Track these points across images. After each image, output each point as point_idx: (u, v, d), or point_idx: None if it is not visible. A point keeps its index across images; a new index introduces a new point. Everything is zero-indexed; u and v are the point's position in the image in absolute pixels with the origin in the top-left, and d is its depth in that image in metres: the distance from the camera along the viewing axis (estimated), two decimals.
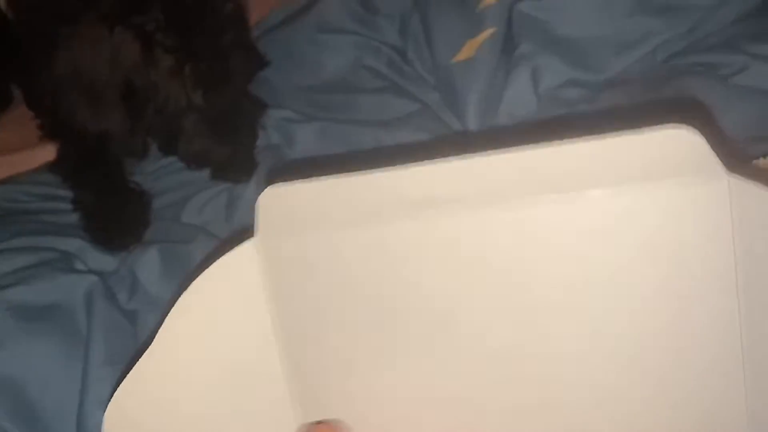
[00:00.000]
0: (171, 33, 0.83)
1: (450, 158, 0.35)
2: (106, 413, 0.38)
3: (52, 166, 0.92)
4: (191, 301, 0.40)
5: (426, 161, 0.35)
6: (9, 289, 0.68)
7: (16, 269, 0.72)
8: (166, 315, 0.39)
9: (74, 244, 0.80)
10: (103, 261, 0.79)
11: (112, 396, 0.39)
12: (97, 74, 0.83)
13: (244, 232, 0.41)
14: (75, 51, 0.83)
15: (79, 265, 0.76)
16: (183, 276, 0.75)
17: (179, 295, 0.39)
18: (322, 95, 0.97)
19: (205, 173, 0.90)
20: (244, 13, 0.97)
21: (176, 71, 0.84)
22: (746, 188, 0.31)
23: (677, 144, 0.32)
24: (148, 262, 0.77)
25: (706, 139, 0.31)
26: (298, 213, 0.38)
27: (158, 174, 0.93)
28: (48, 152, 0.95)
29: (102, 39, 0.82)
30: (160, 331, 0.39)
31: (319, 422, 0.42)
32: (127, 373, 0.39)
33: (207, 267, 0.39)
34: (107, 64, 0.83)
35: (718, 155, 0.31)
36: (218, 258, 0.40)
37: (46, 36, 0.84)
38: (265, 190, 0.38)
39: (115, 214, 0.85)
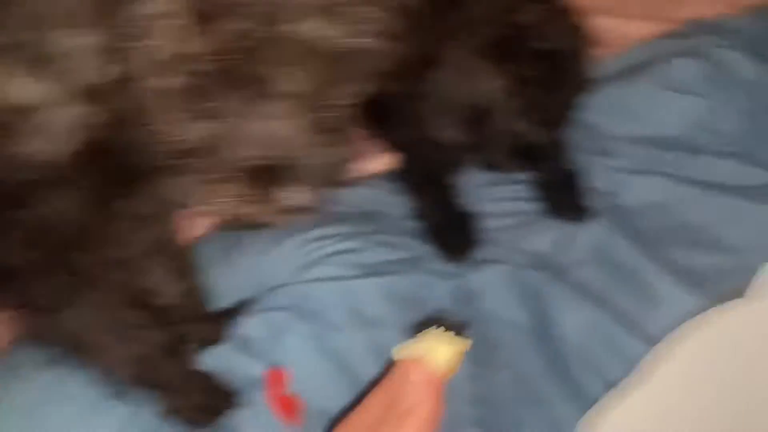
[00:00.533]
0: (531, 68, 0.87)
1: None
2: None
3: (391, 175, 0.99)
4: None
5: None
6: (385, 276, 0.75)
7: (384, 261, 0.79)
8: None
9: (423, 248, 0.86)
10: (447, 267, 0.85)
11: None
12: (461, 96, 0.89)
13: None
14: (449, 74, 0.90)
15: (432, 266, 0.81)
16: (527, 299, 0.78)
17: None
18: (658, 150, 0.96)
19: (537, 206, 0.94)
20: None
21: (522, 101, 0.88)
22: None
23: None
24: (492, 281, 0.81)
25: None
26: None
27: (487, 197, 0.97)
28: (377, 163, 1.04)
29: (475, 69, 0.88)
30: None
31: None
32: None
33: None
34: (472, 89, 0.89)
35: None
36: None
37: (423, 55, 0.92)
38: None
39: (447, 229, 0.91)
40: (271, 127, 0.45)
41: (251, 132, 0.45)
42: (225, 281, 0.88)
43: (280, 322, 0.79)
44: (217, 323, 0.83)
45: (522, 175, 0.99)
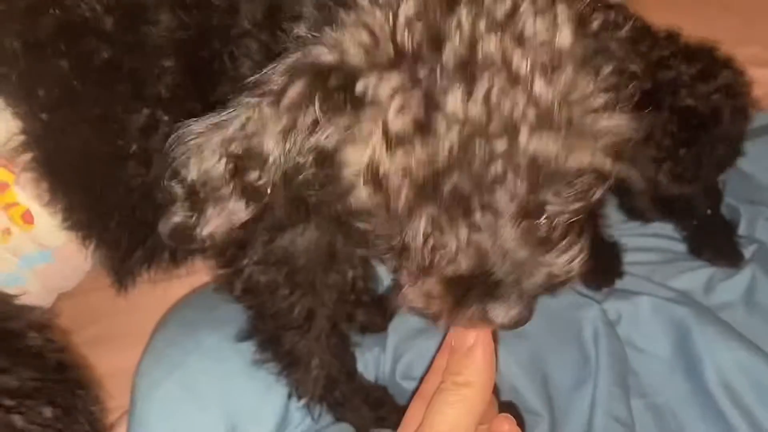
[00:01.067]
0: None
1: None
2: None
3: None
4: None
5: None
6: None
7: None
8: None
9: None
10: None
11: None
12: None
13: None
14: None
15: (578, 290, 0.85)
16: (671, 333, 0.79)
17: None
18: None
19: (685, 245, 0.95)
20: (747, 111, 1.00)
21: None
22: None
23: None
24: (636, 310, 0.82)
25: None
26: None
27: (634, 231, 0.98)
28: None
29: None
30: None
31: None
32: None
33: None
34: None
35: None
36: None
37: None
38: None
39: (591, 256, 0.92)
40: (480, 239, 0.45)
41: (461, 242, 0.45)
42: None
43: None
44: (382, 309, 0.88)
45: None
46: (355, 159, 0.44)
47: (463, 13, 0.42)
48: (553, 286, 0.48)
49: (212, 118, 0.48)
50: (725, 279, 0.88)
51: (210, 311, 0.84)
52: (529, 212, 0.44)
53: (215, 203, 0.48)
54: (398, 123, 0.42)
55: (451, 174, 0.42)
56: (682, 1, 1.45)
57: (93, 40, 0.62)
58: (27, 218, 0.70)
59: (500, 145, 0.41)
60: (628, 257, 0.94)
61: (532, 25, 0.43)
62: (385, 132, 0.43)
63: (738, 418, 0.72)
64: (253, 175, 0.47)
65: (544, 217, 0.46)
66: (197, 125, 0.48)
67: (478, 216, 0.44)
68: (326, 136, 0.45)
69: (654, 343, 0.81)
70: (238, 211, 0.48)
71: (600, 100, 0.44)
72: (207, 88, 0.61)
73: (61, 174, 0.68)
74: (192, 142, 0.47)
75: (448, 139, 0.41)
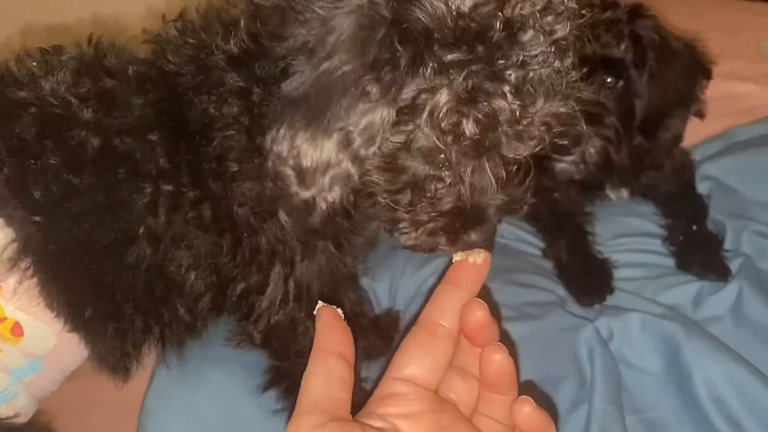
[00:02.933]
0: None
1: None
2: None
3: (526, 217, 1.05)
4: None
5: None
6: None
7: (527, 303, 0.86)
8: None
9: (559, 290, 0.90)
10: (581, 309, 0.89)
11: None
12: None
13: None
14: None
15: (570, 309, 0.86)
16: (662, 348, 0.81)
17: None
18: None
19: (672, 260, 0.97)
20: None
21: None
22: None
23: None
24: (627, 327, 0.84)
25: None
26: None
27: (621, 247, 1.00)
28: None
29: None
30: None
31: None
32: None
33: None
34: None
35: None
36: None
37: None
38: None
39: (581, 273, 0.94)
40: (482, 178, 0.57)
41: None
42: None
43: None
44: (381, 333, 0.90)
45: (657, 230, 1.02)
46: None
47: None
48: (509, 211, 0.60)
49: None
50: (713, 293, 0.90)
51: (212, 347, 0.83)
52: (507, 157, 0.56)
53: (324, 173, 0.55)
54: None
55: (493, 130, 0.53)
56: (665, 16, 1.48)
57: (79, 131, 0.64)
58: (16, 331, 0.68)
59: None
60: (617, 273, 0.96)
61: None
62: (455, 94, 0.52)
63: (727, 429, 0.73)
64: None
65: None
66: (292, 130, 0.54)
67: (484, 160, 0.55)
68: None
69: (645, 358, 0.82)
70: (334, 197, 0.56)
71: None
72: (202, 143, 0.64)
73: (64, 273, 0.67)
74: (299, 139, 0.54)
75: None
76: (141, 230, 0.66)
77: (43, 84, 0.65)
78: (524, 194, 0.60)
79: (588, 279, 0.95)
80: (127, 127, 0.64)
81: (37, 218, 0.64)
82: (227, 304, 0.75)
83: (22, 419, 0.72)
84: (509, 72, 0.52)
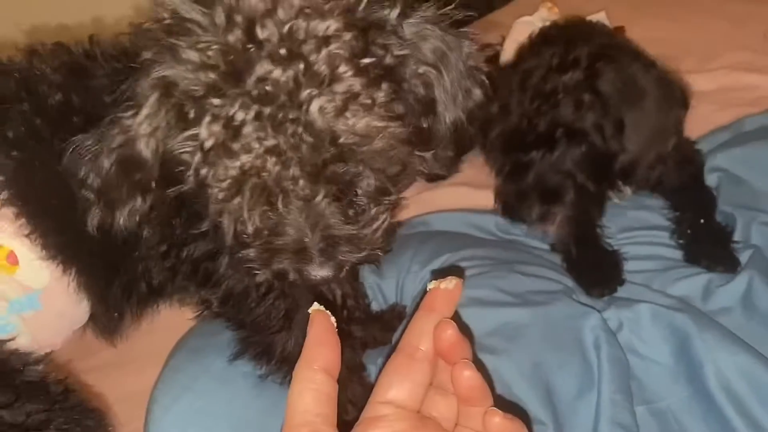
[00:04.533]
0: None
1: None
2: None
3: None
4: None
5: None
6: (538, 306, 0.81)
7: (531, 291, 0.86)
8: None
9: (565, 281, 0.90)
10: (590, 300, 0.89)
11: None
12: None
13: None
14: None
15: (577, 298, 0.87)
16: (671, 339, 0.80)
17: None
18: None
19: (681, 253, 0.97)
20: None
21: None
22: None
23: None
24: (637, 317, 0.84)
25: None
26: None
27: (631, 240, 1.00)
28: None
29: None
30: None
31: None
32: None
33: None
34: None
35: None
36: None
37: None
38: None
39: (591, 265, 0.94)
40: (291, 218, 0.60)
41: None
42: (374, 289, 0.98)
43: None
44: (385, 326, 0.92)
45: (665, 222, 1.02)
46: (188, 160, 0.57)
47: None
48: (363, 257, 0.62)
49: (97, 132, 0.62)
50: (723, 284, 0.89)
51: (214, 336, 0.88)
52: (335, 197, 0.59)
53: (120, 205, 0.63)
54: (209, 140, 0.55)
55: (254, 176, 0.56)
56: (670, 8, 1.47)
57: (46, 88, 0.74)
58: (11, 259, 0.73)
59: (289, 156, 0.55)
60: (626, 265, 0.95)
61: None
62: (201, 145, 0.56)
63: (740, 422, 0.73)
64: (137, 175, 0.62)
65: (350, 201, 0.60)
66: (88, 139, 0.63)
67: (284, 203, 0.58)
68: (172, 139, 0.58)
69: (655, 349, 0.82)
70: (139, 206, 0.63)
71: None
72: None
73: (36, 204, 0.73)
74: (88, 155, 0.62)
75: (248, 154, 0.55)
76: None
77: (33, 62, 0.77)
78: (376, 240, 0.62)
79: (598, 271, 0.94)
80: (87, 89, 0.74)
81: (14, 153, 0.72)
82: (183, 268, 0.79)
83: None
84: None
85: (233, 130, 0.54)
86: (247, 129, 0.54)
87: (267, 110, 0.54)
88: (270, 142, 0.54)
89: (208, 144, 0.55)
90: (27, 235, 0.73)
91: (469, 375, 0.50)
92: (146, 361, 0.93)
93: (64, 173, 0.68)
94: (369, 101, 0.56)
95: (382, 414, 0.50)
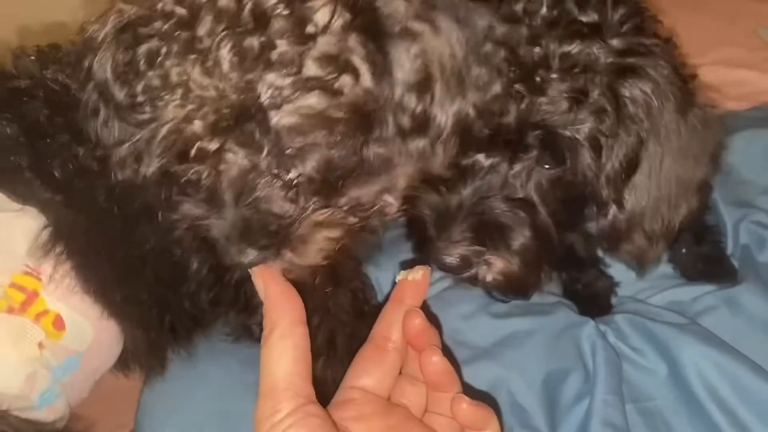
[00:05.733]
0: None
1: None
2: None
3: None
4: None
5: None
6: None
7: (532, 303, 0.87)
8: None
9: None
10: None
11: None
12: None
13: None
14: None
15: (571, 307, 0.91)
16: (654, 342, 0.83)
17: None
18: None
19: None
20: None
21: None
22: None
23: None
24: (619, 327, 0.87)
25: None
26: None
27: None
28: None
29: None
30: None
31: None
32: None
33: None
34: None
35: None
36: None
37: None
38: None
39: (585, 291, 0.96)
40: None
41: None
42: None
43: None
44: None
45: None
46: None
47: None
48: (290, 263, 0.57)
49: None
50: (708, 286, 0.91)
51: (209, 342, 0.84)
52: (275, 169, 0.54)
53: None
54: None
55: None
56: (659, 3, 1.47)
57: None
58: (58, 324, 0.69)
59: None
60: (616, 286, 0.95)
61: None
62: None
63: (726, 424, 0.75)
64: None
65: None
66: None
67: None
68: None
69: (639, 354, 0.84)
70: None
71: None
72: None
73: (91, 254, 0.68)
74: None
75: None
76: (137, 205, 0.67)
77: (44, 73, 0.69)
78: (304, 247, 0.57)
79: (593, 294, 0.95)
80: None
81: (58, 198, 0.66)
82: (225, 295, 0.76)
83: (59, 425, 0.71)
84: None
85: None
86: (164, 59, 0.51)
87: (184, 35, 0.51)
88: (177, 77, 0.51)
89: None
90: (84, 293, 0.68)
91: (436, 360, 0.51)
92: None
93: (109, 210, 0.65)
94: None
95: (352, 398, 0.52)
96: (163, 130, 0.53)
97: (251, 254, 0.55)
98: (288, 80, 0.51)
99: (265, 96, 0.51)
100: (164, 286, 0.73)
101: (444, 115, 0.58)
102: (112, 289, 0.70)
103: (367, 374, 0.53)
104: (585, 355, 0.81)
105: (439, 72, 0.56)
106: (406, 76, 0.56)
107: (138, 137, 0.55)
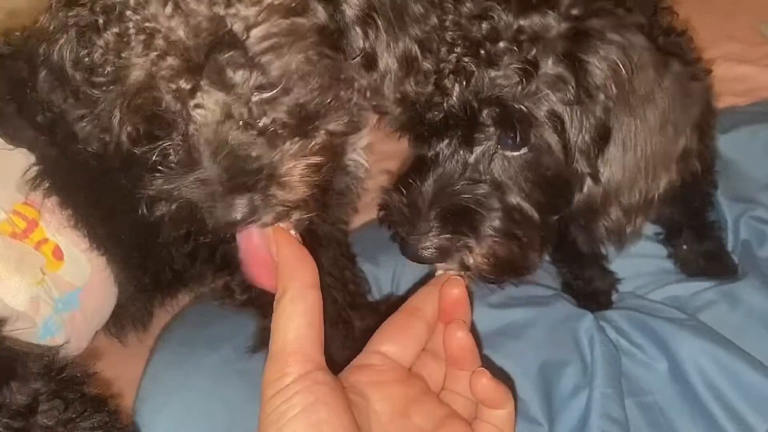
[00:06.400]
0: None
1: None
2: None
3: None
4: None
5: None
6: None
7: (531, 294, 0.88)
8: None
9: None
10: None
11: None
12: None
13: None
14: None
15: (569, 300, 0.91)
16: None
17: None
18: None
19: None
20: None
21: None
22: None
23: None
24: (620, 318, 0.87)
25: None
26: None
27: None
28: None
29: None
30: None
31: None
32: None
33: None
34: None
35: None
36: None
37: None
38: None
39: (585, 286, 0.95)
40: None
41: None
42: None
43: None
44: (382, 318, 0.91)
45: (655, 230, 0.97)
46: None
47: None
48: (282, 207, 0.56)
49: None
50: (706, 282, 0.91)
51: (205, 328, 0.84)
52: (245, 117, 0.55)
53: None
54: None
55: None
56: None
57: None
58: (57, 254, 0.72)
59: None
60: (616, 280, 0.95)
61: None
62: None
63: (724, 417, 0.75)
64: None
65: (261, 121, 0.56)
66: None
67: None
68: None
69: (639, 349, 0.84)
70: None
71: None
72: None
73: (78, 193, 0.72)
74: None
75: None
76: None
77: (27, 42, 0.71)
78: (295, 183, 0.57)
79: (593, 289, 0.94)
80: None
81: (43, 138, 0.70)
82: (202, 252, 0.76)
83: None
84: None
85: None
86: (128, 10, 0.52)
87: None
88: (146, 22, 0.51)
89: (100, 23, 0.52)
90: (74, 226, 0.71)
91: (461, 336, 0.51)
92: (121, 349, 0.87)
93: (94, 158, 0.67)
94: None
95: (372, 363, 0.51)
96: (129, 86, 0.53)
97: (240, 206, 0.54)
98: (253, 9, 0.53)
99: (235, 25, 0.52)
100: (142, 232, 0.73)
101: (390, 53, 0.60)
102: (94, 225, 0.72)
103: (392, 340, 0.52)
104: (583, 348, 0.81)
105: (379, 5, 0.59)
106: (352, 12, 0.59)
107: (101, 106, 0.55)
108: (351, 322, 0.87)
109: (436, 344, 0.54)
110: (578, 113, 0.60)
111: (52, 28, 0.60)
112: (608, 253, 0.94)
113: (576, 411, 0.76)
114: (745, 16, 1.33)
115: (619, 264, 0.95)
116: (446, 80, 0.61)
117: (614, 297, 0.93)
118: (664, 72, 0.61)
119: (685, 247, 0.94)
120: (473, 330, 0.55)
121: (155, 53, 0.52)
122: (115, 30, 0.53)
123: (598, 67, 0.59)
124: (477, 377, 0.49)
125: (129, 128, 0.56)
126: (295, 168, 0.56)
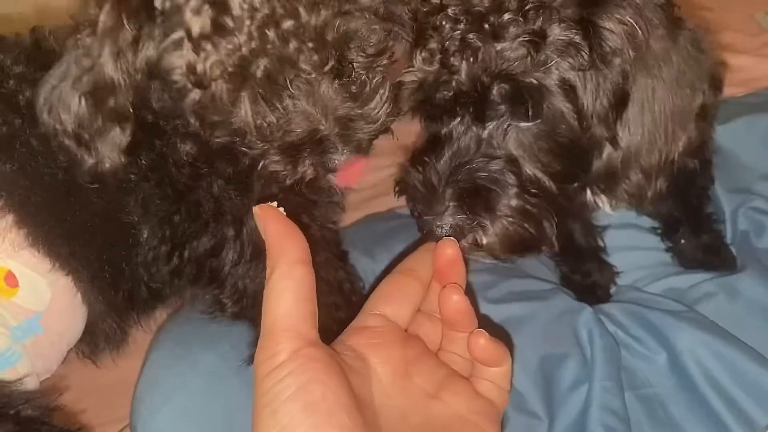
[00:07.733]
0: None
1: None
2: None
3: None
4: None
5: None
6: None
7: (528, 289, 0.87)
8: None
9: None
10: None
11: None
12: None
13: None
14: None
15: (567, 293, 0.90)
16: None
17: None
18: None
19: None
20: None
21: None
22: None
23: None
24: (618, 311, 0.87)
25: None
26: None
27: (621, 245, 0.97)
28: None
29: None
30: None
31: None
32: None
33: None
34: None
35: None
36: None
37: None
38: None
39: (583, 280, 0.94)
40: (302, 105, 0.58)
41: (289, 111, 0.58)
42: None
43: None
44: None
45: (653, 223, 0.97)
46: (177, 62, 0.54)
47: None
48: (375, 130, 0.60)
49: (55, 71, 0.57)
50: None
51: (202, 327, 0.82)
52: (337, 72, 0.57)
53: (99, 138, 0.57)
54: (197, 25, 0.52)
55: (257, 59, 0.52)
56: None
57: (11, 82, 0.68)
58: (10, 281, 0.67)
59: (288, 25, 0.53)
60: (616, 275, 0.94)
61: None
62: (189, 34, 0.52)
63: (725, 410, 0.74)
64: (110, 102, 0.56)
65: (350, 74, 0.58)
66: (46, 85, 0.58)
67: (293, 87, 0.55)
68: (148, 48, 0.54)
69: (637, 342, 0.83)
70: (119, 137, 0.58)
71: None
72: None
73: (38, 210, 0.67)
74: (53, 98, 0.57)
75: (243, 32, 0.51)
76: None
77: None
78: (383, 111, 0.60)
79: (592, 281, 0.93)
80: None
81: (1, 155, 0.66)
82: (187, 269, 0.75)
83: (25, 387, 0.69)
84: None
85: (220, 4, 0.51)
86: (234, 2, 0.51)
87: None
88: (264, 11, 0.51)
89: (197, 29, 0.51)
90: (32, 246, 0.66)
91: (456, 299, 0.51)
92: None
93: (59, 171, 0.65)
94: None
95: (370, 324, 0.52)
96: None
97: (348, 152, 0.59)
98: None
99: None
100: (115, 251, 0.71)
101: None
102: (58, 244, 0.69)
103: (388, 301, 0.53)
104: (582, 341, 0.80)
105: None
106: None
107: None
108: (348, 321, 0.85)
109: (431, 305, 0.54)
110: (593, 78, 0.59)
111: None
112: (606, 245, 0.95)
113: (576, 404, 0.76)
114: (742, 6, 1.32)
115: (618, 257, 0.95)
116: (452, 58, 0.60)
117: (613, 290, 0.92)
118: (678, 30, 0.61)
119: (683, 241, 0.94)
120: (469, 291, 0.54)
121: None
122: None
123: (613, 31, 0.58)
124: (475, 338, 0.49)
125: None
126: (381, 105, 0.60)
